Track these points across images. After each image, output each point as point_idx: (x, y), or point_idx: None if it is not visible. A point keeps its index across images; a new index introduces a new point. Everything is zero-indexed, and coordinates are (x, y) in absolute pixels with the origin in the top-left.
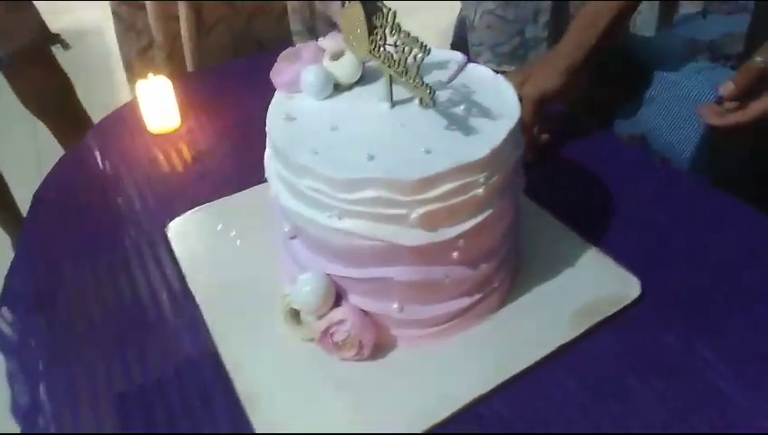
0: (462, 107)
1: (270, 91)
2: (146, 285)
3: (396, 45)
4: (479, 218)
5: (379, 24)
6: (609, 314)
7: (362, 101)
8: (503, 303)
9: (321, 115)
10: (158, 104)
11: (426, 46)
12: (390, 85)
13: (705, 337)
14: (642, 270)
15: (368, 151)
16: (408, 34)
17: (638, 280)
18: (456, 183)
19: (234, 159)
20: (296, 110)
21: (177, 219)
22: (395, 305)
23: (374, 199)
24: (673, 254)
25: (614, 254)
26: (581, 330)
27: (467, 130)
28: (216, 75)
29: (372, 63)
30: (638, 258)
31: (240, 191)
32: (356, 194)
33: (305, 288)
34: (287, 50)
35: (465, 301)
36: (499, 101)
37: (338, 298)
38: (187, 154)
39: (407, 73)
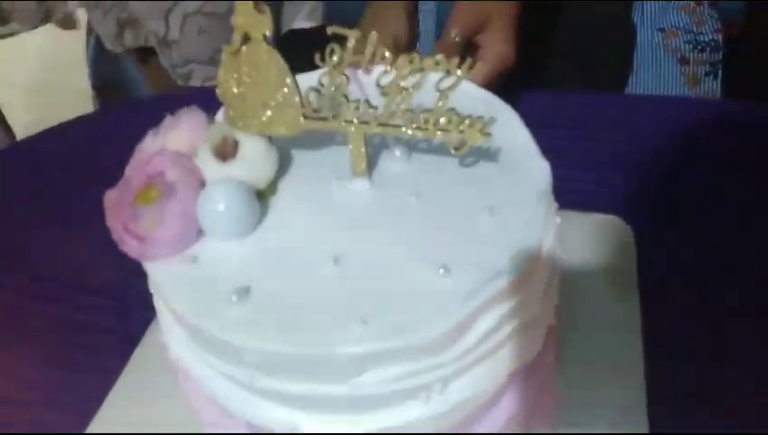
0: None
1: None
2: None
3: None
4: None
5: (334, 64)
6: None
7: (313, 200)
8: None
9: (284, 259)
10: None
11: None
12: (367, 150)
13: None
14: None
15: (441, 264)
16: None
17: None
18: None
19: None
20: (236, 270)
21: None
22: None
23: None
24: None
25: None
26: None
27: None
28: None
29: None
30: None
31: None
32: (468, 337)
33: None
34: (121, 187)
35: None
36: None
37: None
38: None
39: (416, 120)
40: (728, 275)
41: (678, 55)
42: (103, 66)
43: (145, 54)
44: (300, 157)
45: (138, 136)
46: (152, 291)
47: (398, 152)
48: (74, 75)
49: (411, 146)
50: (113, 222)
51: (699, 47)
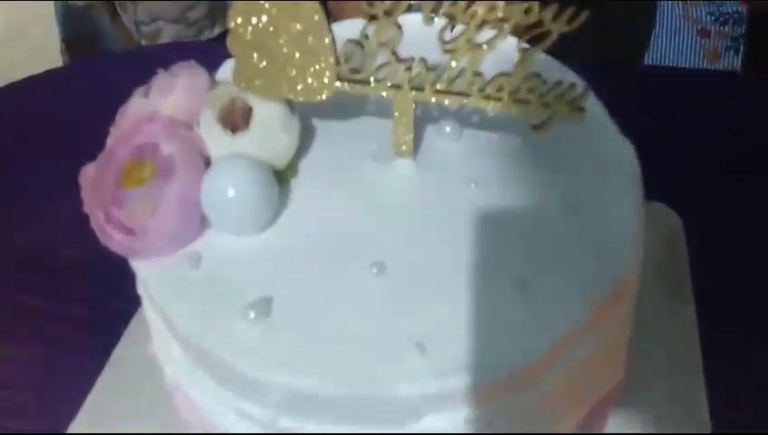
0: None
1: None
2: None
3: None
4: None
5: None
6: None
7: (344, 185)
8: None
9: (312, 262)
10: None
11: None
12: (414, 123)
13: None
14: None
15: (515, 275)
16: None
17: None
18: None
19: None
20: (252, 276)
21: None
22: None
23: None
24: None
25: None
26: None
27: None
28: None
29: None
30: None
31: None
32: (553, 373)
33: None
34: (102, 161)
35: None
36: None
37: None
38: None
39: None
40: None
41: (699, 27)
42: (74, 19)
43: (115, 8)
44: (329, 129)
45: (116, 94)
46: (142, 295)
47: (448, 128)
48: (40, 28)
49: (462, 120)
50: (92, 207)
51: (722, 19)
